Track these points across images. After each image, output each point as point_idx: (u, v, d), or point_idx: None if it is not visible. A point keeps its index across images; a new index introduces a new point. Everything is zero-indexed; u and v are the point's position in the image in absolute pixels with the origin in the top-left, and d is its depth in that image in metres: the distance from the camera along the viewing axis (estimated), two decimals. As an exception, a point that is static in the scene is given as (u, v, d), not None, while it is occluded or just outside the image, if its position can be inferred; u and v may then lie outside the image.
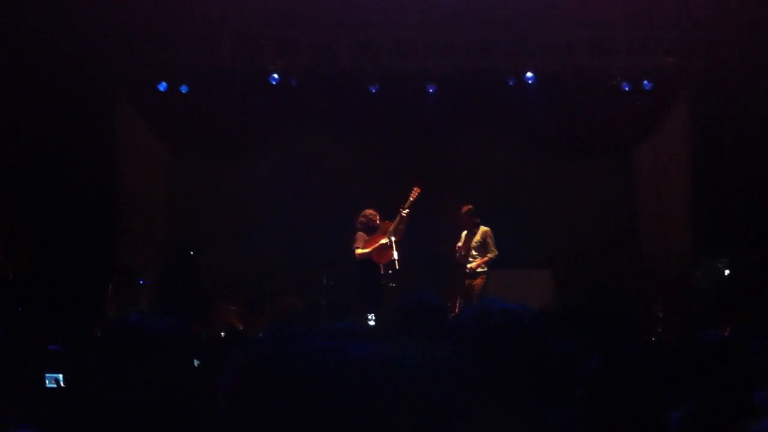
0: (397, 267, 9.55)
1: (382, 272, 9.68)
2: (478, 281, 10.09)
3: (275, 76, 11.60)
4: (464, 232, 10.26)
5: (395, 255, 9.61)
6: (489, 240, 10.18)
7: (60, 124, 10.49)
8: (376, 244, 9.78)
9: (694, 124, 11.38)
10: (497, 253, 10.14)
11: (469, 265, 10.10)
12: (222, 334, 8.25)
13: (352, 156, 11.93)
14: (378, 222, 9.92)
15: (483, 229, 10.22)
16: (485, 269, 10.11)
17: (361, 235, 9.85)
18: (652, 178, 11.82)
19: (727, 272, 9.70)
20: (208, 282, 10.78)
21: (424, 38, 11.32)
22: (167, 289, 10.15)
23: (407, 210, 9.81)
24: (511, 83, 11.64)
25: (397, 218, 9.81)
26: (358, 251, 9.76)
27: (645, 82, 11.48)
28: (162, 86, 11.41)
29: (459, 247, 10.20)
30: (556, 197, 11.72)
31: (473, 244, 10.20)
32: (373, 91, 11.63)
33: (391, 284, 9.50)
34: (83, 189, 10.66)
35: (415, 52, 11.47)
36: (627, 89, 11.51)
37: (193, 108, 11.72)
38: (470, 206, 10.29)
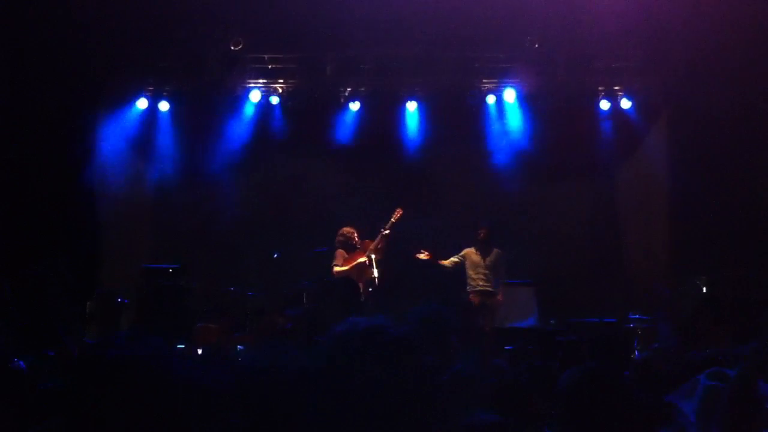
0: (376, 284, 9.58)
1: (361, 290, 9.68)
2: (497, 299, 10.31)
3: (258, 94, 11.68)
4: (471, 249, 10.32)
5: (375, 273, 9.64)
6: (501, 264, 10.30)
7: (40, 139, 10.45)
8: (355, 263, 9.82)
9: (673, 143, 11.48)
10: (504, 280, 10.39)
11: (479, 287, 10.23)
12: (199, 351, 8.19)
13: (334, 175, 11.95)
14: (356, 239, 9.96)
15: (497, 251, 10.32)
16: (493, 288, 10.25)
17: (340, 252, 9.91)
18: (634, 196, 11.91)
19: (704, 289, 9.74)
20: (190, 302, 10.71)
21: (406, 57, 11.39)
22: (148, 310, 10.06)
23: (388, 230, 9.88)
24: (492, 102, 11.73)
25: (378, 237, 9.88)
26: (336, 269, 9.82)
27: (625, 101, 11.61)
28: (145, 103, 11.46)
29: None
30: (539, 215, 11.76)
31: (487, 263, 10.28)
32: (356, 109, 11.70)
33: (369, 302, 9.51)
34: (64, 207, 10.60)
35: (397, 71, 11.55)
36: (608, 108, 11.64)
37: (176, 126, 11.77)
38: (488, 225, 10.38)
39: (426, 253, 10.28)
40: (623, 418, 2.71)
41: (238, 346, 8.69)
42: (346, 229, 10.05)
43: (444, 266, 10.42)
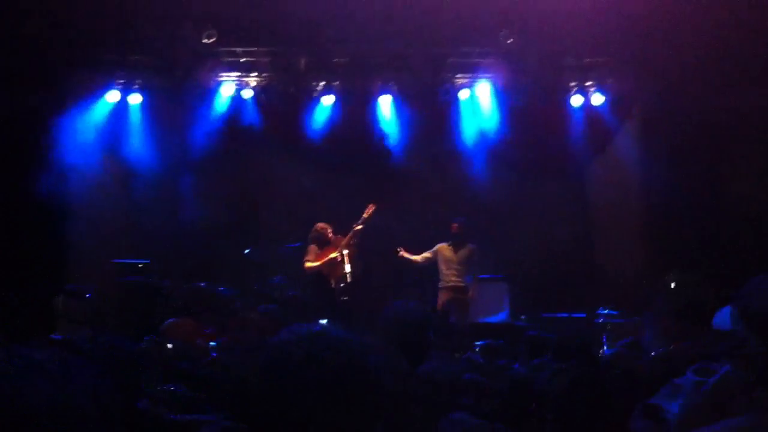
0: (348, 280, 9.57)
1: (333, 285, 9.68)
2: (469, 294, 10.32)
3: (231, 88, 11.60)
4: (444, 244, 10.31)
5: (347, 268, 9.63)
6: (474, 259, 10.28)
7: (6, 132, 10.31)
8: (327, 258, 9.80)
9: (645, 139, 11.56)
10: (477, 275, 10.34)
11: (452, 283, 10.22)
12: (169, 346, 8.11)
13: (307, 171, 11.90)
14: (330, 235, 9.94)
15: (469, 246, 10.30)
16: (465, 283, 10.27)
17: (312, 248, 9.89)
18: (606, 191, 11.98)
19: (672, 285, 9.81)
20: (160, 298, 10.63)
21: (380, 52, 11.36)
22: (117, 306, 9.97)
23: (360, 226, 9.86)
24: (466, 97, 11.75)
25: (350, 233, 9.87)
26: (308, 264, 9.80)
27: (597, 96, 11.67)
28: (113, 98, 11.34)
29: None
30: (511, 210, 11.79)
31: (459, 258, 10.26)
32: (329, 104, 11.66)
33: (343, 297, 9.50)
34: (32, 202, 10.46)
35: (371, 66, 11.52)
36: (580, 104, 11.70)
37: (147, 120, 11.66)
38: (461, 220, 10.35)
39: (403, 250, 10.31)
40: (608, 420, 2.73)
41: (211, 342, 8.62)
42: (320, 225, 10.03)
43: (415, 262, 10.43)
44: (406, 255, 10.31)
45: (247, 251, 10.79)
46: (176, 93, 11.56)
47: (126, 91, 11.68)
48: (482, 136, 11.93)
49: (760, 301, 2.33)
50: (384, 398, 1.94)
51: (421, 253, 10.55)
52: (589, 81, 11.72)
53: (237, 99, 11.77)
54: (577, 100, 11.72)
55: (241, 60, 11.58)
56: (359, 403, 1.86)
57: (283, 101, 11.75)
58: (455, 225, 10.33)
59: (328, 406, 1.83)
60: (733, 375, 2.96)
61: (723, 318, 4.31)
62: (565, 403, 2.74)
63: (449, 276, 10.27)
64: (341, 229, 10.18)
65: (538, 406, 3.71)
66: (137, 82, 11.68)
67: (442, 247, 10.38)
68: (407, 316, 3.65)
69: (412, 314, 3.67)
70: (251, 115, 11.84)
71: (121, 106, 11.73)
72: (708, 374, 3.08)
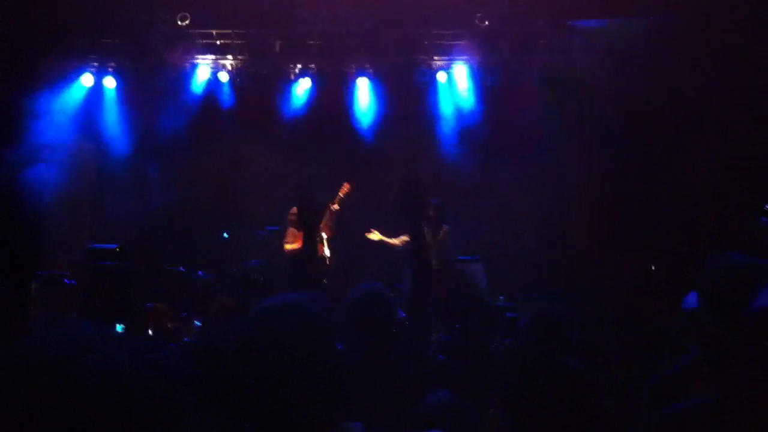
0: (327, 264, 9.58)
1: (312, 267, 9.70)
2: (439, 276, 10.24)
3: (206, 71, 11.55)
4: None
5: (326, 252, 9.64)
6: (450, 241, 10.23)
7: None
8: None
9: (618, 119, 11.64)
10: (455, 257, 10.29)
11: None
12: (150, 332, 8.11)
13: (284, 154, 11.88)
14: (308, 218, 9.94)
15: (446, 228, 10.24)
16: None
17: (291, 231, 9.88)
18: (580, 172, 12.07)
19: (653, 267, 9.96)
20: (137, 282, 10.61)
21: (355, 33, 11.33)
22: (93, 291, 9.95)
23: (336, 206, 9.84)
24: (442, 80, 11.76)
25: (326, 213, 9.81)
26: (287, 246, 9.79)
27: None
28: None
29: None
30: (488, 192, 11.84)
31: (436, 240, 10.21)
32: (306, 87, 11.63)
33: (322, 280, 9.51)
34: (5, 186, 10.37)
35: (347, 48, 11.49)
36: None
37: (122, 103, 11.59)
38: (435, 203, 10.25)
39: (375, 232, 10.21)
40: (565, 396, 2.77)
41: (196, 322, 8.63)
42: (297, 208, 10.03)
43: (393, 245, 10.39)
44: (383, 238, 10.23)
45: (224, 235, 10.78)
46: (151, 76, 11.48)
47: (100, 75, 11.59)
48: (458, 117, 11.94)
49: (711, 279, 2.41)
50: (347, 379, 1.95)
51: (399, 236, 10.53)
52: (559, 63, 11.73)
53: (213, 82, 11.71)
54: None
55: (217, 42, 11.52)
56: (322, 380, 1.88)
57: (259, 83, 11.72)
58: (431, 208, 10.29)
59: (292, 380, 1.85)
60: (699, 356, 3.04)
61: (691, 300, 4.40)
62: (514, 378, 2.79)
63: None
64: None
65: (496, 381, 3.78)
66: (111, 65, 11.59)
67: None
68: (372, 296, 3.61)
69: (377, 295, 3.56)
70: (227, 98, 11.78)
71: (96, 90, 11.63)
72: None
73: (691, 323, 3.56)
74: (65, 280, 9.94)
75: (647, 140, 10.99)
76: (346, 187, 9.92)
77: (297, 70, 11.66)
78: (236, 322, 2.03)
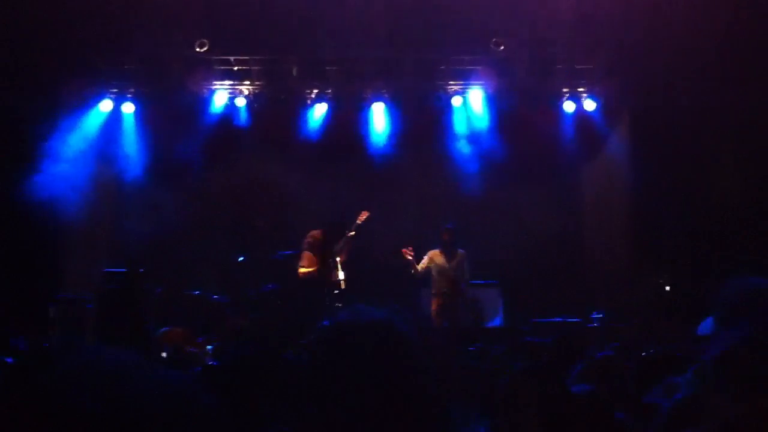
0: (342, 287, 9.57)
1: (326, 292, 9.69)
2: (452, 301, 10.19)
3: (224, 96, 11.66)
4: (436, 250, 10.23)
5: (340, 275, 9.64)
6: (465, 265, 10.23)
7: (3, 142, 10.35)
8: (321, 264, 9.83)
9: (636, 144, 11.62)
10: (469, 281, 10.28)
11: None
12: (164, 354, 8.12)
13: (300, 178, 11.94)
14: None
15: (461, 252, 10.23)
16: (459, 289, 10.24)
17: (306, 254, 9.90)
18: (597, 196, 12.04)
19: (667, 288, 9.88)
20: (154, 306, 10.63)
21: (372, 58, 11.42)
22: (110, 314, 9.98)
23: (353, 232, 9.86)
24: (458, 104, 11.80)
25: (343, 240, 9.85)
26: (302, 270, 9.82)
27: (589, 102, 11.73)
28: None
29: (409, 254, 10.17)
30: (504, 216, 11.82)
31: (451, 265, 10.18)
32: (322, 111, 11.72)
33: (336, 304, 9.50)
34: (25, 211, 10.47)
35: (363, 73, 11.57)
36: (572, 110, 11.76)
37: (140, 128, 11.72)
38: (451, 227, 10.25)
39: (411, 252, 10.09)
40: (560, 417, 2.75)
41: (208, 347, 8.64)
42: (314, 232, 10.06)
43: (416, 271, 10.27)
44: (412, 260, 10.10)
45: (240, 258, 10.80)
46: (169, 101, 11.60)
47: (119, 100, 11.73)
48: (474, 141, 11.96)
49: (728, 303, 2.38)
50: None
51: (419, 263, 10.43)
52: (581, 87, 11.78)
53: (230, 107, 11.81)
54: (569, 106, 11.77)
55: (234, 68, 11.64)
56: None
57: (276, 108, 11.81)
58: (446, 232, 10.28)
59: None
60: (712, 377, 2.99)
61: (706, 327, 4.35)
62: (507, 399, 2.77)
63: (441, 282, 10.24)
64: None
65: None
66: (130, 91, 11.73)
67: (435, 254, 10.34)
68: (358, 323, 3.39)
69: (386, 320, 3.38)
70: (244, 123, 11.87)
71: (115, 115, 11.76)
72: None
73: (704, 346, 3.51)
74: (83, 303, 10.00)
75: (666, 163, 10.97)
76: (364, 215, 9.96)
77: (314, 95, 11.74)
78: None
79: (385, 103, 11.82)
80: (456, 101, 11.81)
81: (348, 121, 11.79)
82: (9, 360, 5.42)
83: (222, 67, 11.59)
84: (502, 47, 11.17)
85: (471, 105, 11.88)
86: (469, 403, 3.90)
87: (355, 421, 1.77)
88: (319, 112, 11.85)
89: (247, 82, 11.79)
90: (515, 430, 2.67)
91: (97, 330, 9.78)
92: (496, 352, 8.91)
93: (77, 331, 9.83)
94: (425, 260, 10.24)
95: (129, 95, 11.74)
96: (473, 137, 11.95)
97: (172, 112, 11.68)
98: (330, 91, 11.72)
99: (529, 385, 2.71)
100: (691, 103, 10.76)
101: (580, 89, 11.80)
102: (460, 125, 11.97)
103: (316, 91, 11.72)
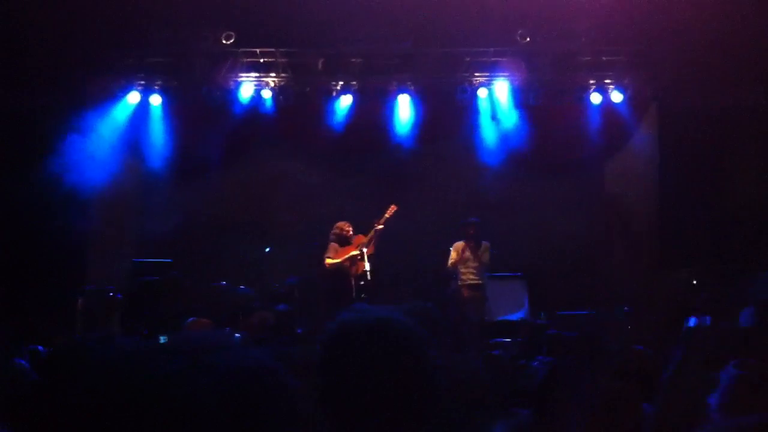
0: (368, 278, 9.62)
1: (353, 283, 9.75)
2: (481, 293, 10.25)
3: (250, 89, 11.71)
4: (461, 243, 10.24)
5: (367, 266, 9.69)
6: (487, 255, 10.26)
7: (29, 135, 10.47)
8: (347, 255, 9.88)
9: (663, 136, 11.54)
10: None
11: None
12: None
13: (326, 170, 11.99)
14: (350, 234, 10.04)
15: (485, 244, 10.26)
16: (483, 281, 10.25)
17: (333, 245, 9.99)
18: (623, 189, 11.97)
19: (694, 282, 9.81)
20: (181, 297, 10.72)
21: (397, 51, 11.41)
22: (138, 305, 10.09)
23: (381, 225, 9.93)
24: (484, 96, 11.77)
25: (371, 232, 9.95)
26: (329, 261, 9.90)
27: (616, 94, 11.64)
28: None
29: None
30: (529, 208, 11.78)
31: (476, 257, 10.20)
32: (347, 104, 11.74)
33: (362, 295, 9.55)
34: (54, 202, 10.60)
35: (388, 66, 11.58)
36: (599, 102, 11.68)
37: (167, 120, 11.81)
38: (476, 221, 10.27)
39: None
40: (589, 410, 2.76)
41: (236, 335, 8.69)
42: (341, 224, 10.14)
43: (450, 265, 10.32)
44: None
45: (267, 250, 10.87)
46: (196, 94, 11.67)
47: (146, 93, 11.81)
48: (499, 134, 11.93)
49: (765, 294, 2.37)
50: (438, 398, 1.87)
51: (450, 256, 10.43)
52: (608, 79, 11.69)
53: (256, 99, 11.85)
54: (596, 98, 11.69)
55: (260, 61, 11.68)
56: (412, 395, 1.80)
57: (302, 101, 11.85)
58: (472, 226, 10.29)
59: (381, 395, 1.78)
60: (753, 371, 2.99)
61: (746, 316, 4.34)
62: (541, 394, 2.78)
63: (468, 275, 10.26)
64: (360, 228, 10.24)
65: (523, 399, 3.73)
66: (157, 83, 11.81)
67: (460, 246, 10.36)
68: (417, 315, 3.22)
69: (422, 313, 3.03)
70: (270, 115, 11.91)
71: (142, 107, 11.85)
72: (748, 368, 3.11)
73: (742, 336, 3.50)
74: (110, 294, 10.11)
75: (693, 156, 10.88)
76: (392, 209, 10.03)
77: (339, 88, 11.76)
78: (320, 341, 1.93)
79: (410, 95, 11.81)
80: (481, 93, 11.77)
81: (373, 113, 11.80)
82: (41, 348, 5.51)
83: (248, 60, 11.63)
84: (527, 39, 11.12)
85: (496, 97, 11.84)
86: (493, 393, 3.92)
87: (359, 421, 1.78)
88: (344, 104, 11.87)
89: (273, 75, 11.83)
90: (556, 421, 2.69)
91: (128, 321, 9.89)
92: (516, 344, 8.93)
93: (104, 323, 9.94)
94: (453, 254, 10.27)
95: (156, 87, 11.83)
96: (498, 130, 11.92)
97: (198, 104, 11.75)
98: (355, 83, 11.73)
99: (567, 378, 2.73)
100: (719, 96, 10.67)
101: (607, 81, 11.71)
102: (485, 118, 11.94)
103: (341, 83, 11.74)
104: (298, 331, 7.94)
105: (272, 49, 11.56)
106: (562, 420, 2.64)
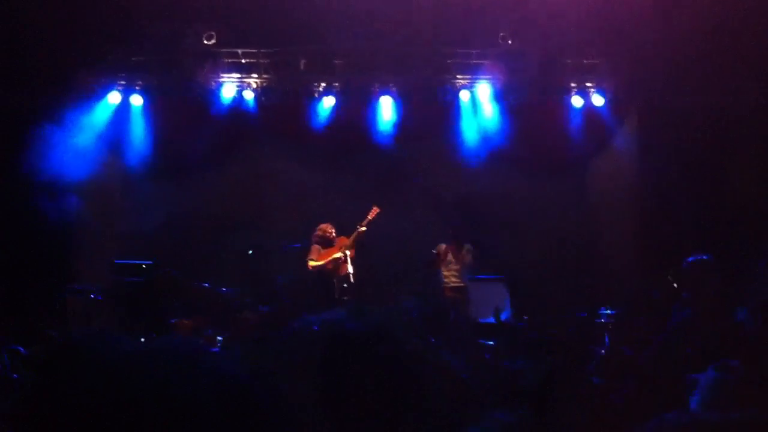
0: (351, 281, 9.63)
1: (335, 285, 9.75)
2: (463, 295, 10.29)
3: (232, 89, 11.67)
4: (442, 246, 10.29)
5: (350, 269, 9.70)
6: (470, 257, 10.30)
7: (8, 133, 10.37)
8: (330, 258, 9.88)
9: (644, 138, 11.63)
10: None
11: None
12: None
13: (308, 171, 11.96)
14: (333, 236, 10.04)
15: (467, 246, 10.30)
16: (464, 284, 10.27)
17: (315, 248, 9.98)
18: (605, 191, 12.05)
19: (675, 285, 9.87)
20: (163, 298, 10.67)
21: (379, 52, 11.42)
22: (120, 306, 10.03)
23: (364, 227, 9.94)
24: (466, 98, 11.80)
25: (354, 234, 9.95)
26: (311, 263, 9.90)
27: (597, 97, 11.72)
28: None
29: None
30: (511, 210, 11.82)
31: (458, 260, 10.25)
32: (330, 105, 11.72)
33: (344, 297, 9.55)
34: (35, 203, 10.51)
35: (370, 66, 11.58)
36: (580, 105, 11.75)
37: (149, 121, 11.74)
38: (457, 225, 10.33)
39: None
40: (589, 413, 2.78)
41: (218, 338, 8.68)
42: (324, 225, 10.15)
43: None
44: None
45: (250, 251, 10.85)
46: (177, 94, 11.62)
47: (127, 92, 11.74)
48: (482, 136, 11.97)
49: (760, 293, 2.41)
50: (435, 398, 1.86)
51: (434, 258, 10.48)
52: (589, 82, 11.77)
53: (238, 99, 11.81)
54: (577, 101, 11.76)
55: (242, 61, 11.64)
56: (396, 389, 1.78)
57: (284, 102, 11.82)
58: (453, 228, 10.36)
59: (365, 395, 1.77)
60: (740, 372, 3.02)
61: (743, 315, 4.39)
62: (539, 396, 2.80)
63: (450, 277, 10.30)
64: (343, 229, 10.24)
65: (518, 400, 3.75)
66: (138, 83, 11.74)
67: (442, 249, 10.41)
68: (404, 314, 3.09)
69: (409, 313, 3.04)
70: (252, 116, 11.87)
71: (123, 107, 11.78)
72: (728, 370, 3.15)
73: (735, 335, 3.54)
74: (92, 295, 10.04)
75: (674, 157, 10.98)
76: (375, 211, 10.05)
77: (321, 89, 11.74)
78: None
79: (393, 96, 11.82)
80: (464, 95, 11.81)
81: (355, 114, 11.80)
82: (21, 348, 5.46)
83: (230, 60, 11.58)
84: (510, 41, 11.16)
85: (478, 99, 11.88)
86: (481, 394, 3.93)
87: (357, 421, 1.76)
88: (326, 105, 11.85)
89: (255, 75, 11.79)
90: (546, 421, 2.71)
91: (112, 321, 9.83)
92: (498, 347, 8.95)
93: (84, 322, 9.87)
94: (439, 255, 10.33)
95: (137, 87, 11.76)
96: (480, 131, 11.96)
97: (180, 104, 11.70)
98: (337, 84, 11.72)
99: (558, 378, 2.75)
100: (699, 98, 10.76)
101: (588, 84, 11.78)
102: (467, 119, 11.97)
103: (323, 84, 11.73)
104: (283, 331, 7.88)
105: (254, 50, 11.52)
106: (561, 420, 2.66)
